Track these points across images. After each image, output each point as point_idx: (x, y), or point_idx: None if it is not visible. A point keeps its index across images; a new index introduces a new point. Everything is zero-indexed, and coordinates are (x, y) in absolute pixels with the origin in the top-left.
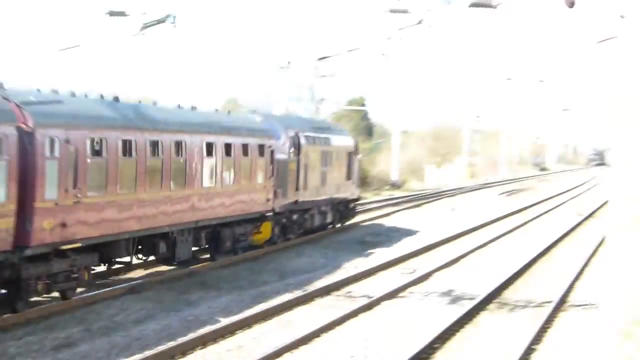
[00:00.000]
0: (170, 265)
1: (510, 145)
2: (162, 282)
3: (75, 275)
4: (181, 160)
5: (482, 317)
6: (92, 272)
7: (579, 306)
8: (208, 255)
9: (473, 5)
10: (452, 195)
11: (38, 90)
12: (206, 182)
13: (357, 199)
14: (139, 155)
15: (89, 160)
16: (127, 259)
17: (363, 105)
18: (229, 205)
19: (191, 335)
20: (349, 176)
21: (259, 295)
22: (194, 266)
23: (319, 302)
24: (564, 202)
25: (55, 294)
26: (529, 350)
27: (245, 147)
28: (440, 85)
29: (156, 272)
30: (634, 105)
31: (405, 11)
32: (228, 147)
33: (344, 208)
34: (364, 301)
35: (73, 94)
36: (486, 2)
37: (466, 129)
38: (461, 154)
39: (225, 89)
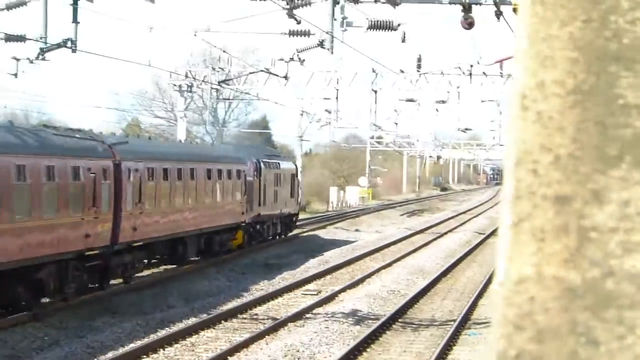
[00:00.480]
0: (181, 265)
1: (413, 165)
2: (66, 308)
3: (136, 265)
4: (194, 182)
5: (387, 336)
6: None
7: (481, 324)
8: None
9: (371, 27)
10: (356, 216)
11: (115, 134)
12: (208, 199)
13: (297, 213)
14: (171, 177)
15: (147, 183)
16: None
17: (266, 127)
18: (221, 215)
19: None
20: (292, 194)
21: (164, 320)
22: (99, 292)
23: (224, 325)
24: (465, 222)
25: None
26: None
27: (229, 172)
28: (344, 106)
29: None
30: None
31: (305, 33)
32: (219, 172)
33: (289, 220)
34: (270, 323)
35: (137, 136)
36: (387, 24)
37: (368, 150)
38: (364, 174)
39: (128, 113)
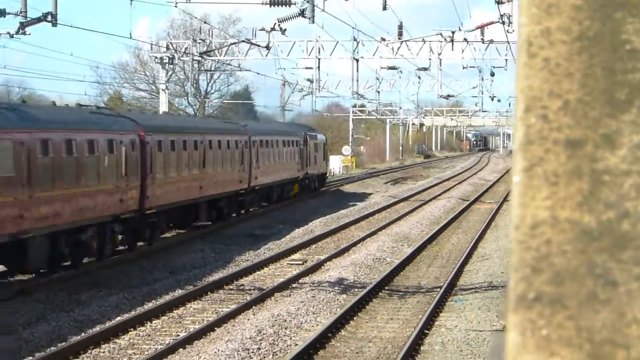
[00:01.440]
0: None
1: (396, 133)
2: (53, 282)
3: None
4: (272, 149)
5: (374, 304)
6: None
7: (467, 290)
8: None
9: None
10: (340, 185)
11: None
12: (281, 160)
13: (326, 173)
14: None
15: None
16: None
17: (248, 98)
18: (286, 172)
19: (83, 335)
20: (324, 158)
21: (150, 293)
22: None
23: (211, 297)
24: (449, 189)
25: None
26: (421, 334)
27: (289, 142)
28: (327, 73)
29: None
30: None
31: (286, 3)
32: (284, 143)
33: (323, 178)
34: (256, 294)
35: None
36: None
37: (350, 119)
38: (347, 143)
39: (109, 86)
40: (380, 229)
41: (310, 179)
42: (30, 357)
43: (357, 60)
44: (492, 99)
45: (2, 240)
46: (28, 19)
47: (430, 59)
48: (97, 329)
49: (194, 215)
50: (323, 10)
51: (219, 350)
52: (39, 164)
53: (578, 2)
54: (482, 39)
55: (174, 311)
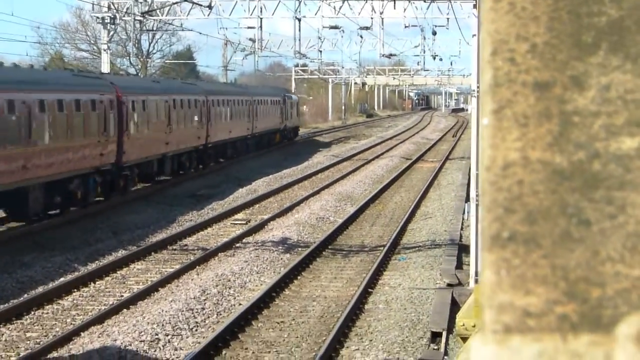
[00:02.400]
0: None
1: (338, 92)
2: None
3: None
4: (255, 107)
5: (318, 263)
6: None
7: (410, 249)
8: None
9: None
10: (282, 147)
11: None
12: (266, 117)
13: (299, 127)
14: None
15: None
16: None
17: (191, 58)
18: (271, 122)
19: (26, 297)
20: (297, 114)
21: (93, 253)
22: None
23: (154, 257)
24: (391, 148)
25: None
26: (365, 292)
27: (274, 101)
28: (270, 33)
29: None
30: None
31: None
32: (271, 102)
33: (296, 130)
34: (200, 254)
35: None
36: None
37: (293, 79)
38: None
39: (51, 46)
40: (323, 189)
41: (288, 130)
42: None
43: (299, 20)
44: (434, 58)
45: (9, 188)
46: None
47: (372, 18)
48: (40, 289)
49: (160, 170)
50: None
51: (163, 311)
52: (37, 120)
53: None
54: None
55: (118, 272)
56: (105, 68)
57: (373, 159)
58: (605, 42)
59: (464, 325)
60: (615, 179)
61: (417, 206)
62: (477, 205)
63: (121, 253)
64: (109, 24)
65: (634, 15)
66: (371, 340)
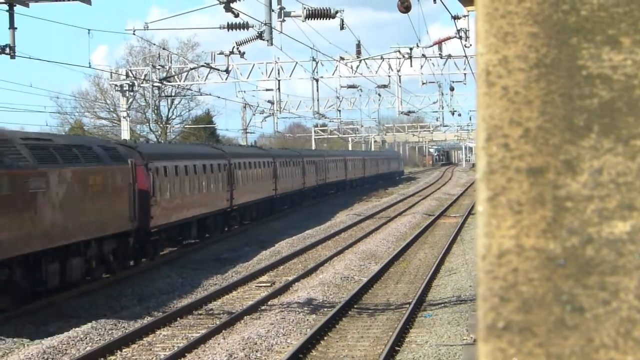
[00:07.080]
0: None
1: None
2: (20, 315)
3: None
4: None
5: (344, 323)
6: None
7: (436, 305)
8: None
9: (309, 16)
10: (307, 207)
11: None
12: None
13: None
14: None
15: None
16: None
17: (210, 122)
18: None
19: None
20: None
21: (119, 321)
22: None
23: (180, 323)
24: (413, 205)
25: None
26: (392, 351)
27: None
28: (288, 94)
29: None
30: None
31: (244, 26)
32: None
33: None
34: (225, 318)
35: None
36: (324, 12)
37: (313, 139)
38: None
39: (70, 115)
40: (346, 248)
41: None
42: None
43: (317, 80)
44: (453, 114)
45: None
46: None
47: (389, 76)
48: None
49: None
50: (281, 32)
51: None
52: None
53: (534, 30)
54: (440, 54)
55: (144, 339)
56: (125, 135)
57: (395, 217)
58: (597, 125)
59: None
60: (608, 264)
61: (441, 262)
62: None
63: (146, 319)
64: (127, 92)
65: (625, 97)
66: None
